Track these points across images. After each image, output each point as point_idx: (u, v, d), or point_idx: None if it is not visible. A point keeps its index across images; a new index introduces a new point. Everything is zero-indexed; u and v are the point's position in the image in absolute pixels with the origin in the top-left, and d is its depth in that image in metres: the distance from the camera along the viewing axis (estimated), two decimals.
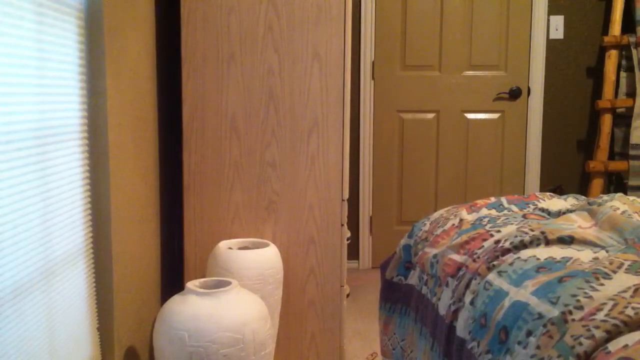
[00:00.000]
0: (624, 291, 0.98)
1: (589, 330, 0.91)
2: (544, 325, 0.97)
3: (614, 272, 1.06)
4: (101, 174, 1.66)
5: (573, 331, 0.93)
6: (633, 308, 0.92)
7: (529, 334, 0.99)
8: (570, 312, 0.97)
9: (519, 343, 1.00)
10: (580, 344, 0.89)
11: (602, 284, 1.01)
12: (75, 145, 1.56)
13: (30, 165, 1.33)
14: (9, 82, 1.23)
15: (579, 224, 1.32)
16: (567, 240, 1.23)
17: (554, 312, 0.98)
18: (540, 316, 0.99)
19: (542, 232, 1.25)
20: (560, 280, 1.05)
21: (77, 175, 1.57)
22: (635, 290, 0.98)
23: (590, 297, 0.99)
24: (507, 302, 1.08)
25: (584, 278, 1.04)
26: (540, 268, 1.13)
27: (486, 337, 1.09)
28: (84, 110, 1.60)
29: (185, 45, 2.11)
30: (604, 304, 0.95)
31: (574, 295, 1.00)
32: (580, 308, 0.97)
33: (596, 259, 1.14)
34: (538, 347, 0.95)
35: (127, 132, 1.82)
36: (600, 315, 0.93)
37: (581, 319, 0.94)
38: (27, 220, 1.32)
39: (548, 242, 1.23)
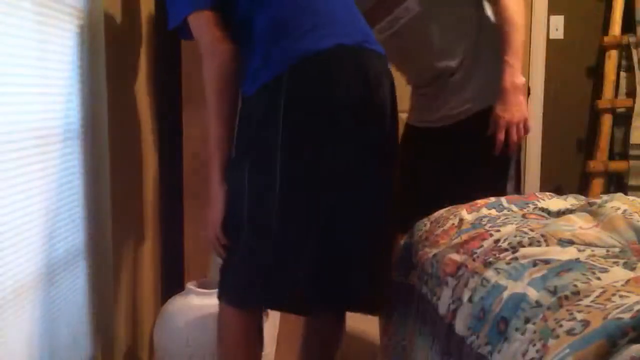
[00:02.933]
0: (617, 282, 1.01)
1: (571, 314, 0.94)
2: (542, 312, 1.00)
3: (611, 267, 1.08)
4: (101, 174, 1.66)
5: (557, 315, 0.96)
6: (620, 296, 0.94)
7: (527, 321, 1.01)
8: (567, 297, 0.99)
9: (517, 329, 1.02)
10: (561, 325, 0.93)
11: (598, 278, 1.04)
12: (76, 145, 1.56)
13: (31, 165, 1.33)
14: (10, 83, 1.23)
15: (579, 225, 1.32)
16: (567, 242, 1.23)
17: (551, 299, 1.00)
18: (539, 304, 1.02)
19: (542, 235, 1.25)
20: (558, 273, 1.07)
21: (77, 175, 1.57)
22: (627, 281, 1.00)
23: (588, 283, 1.02)
24: (505, 295, 1.10)
25: (581, 271, 1.06)
26: (538, 261, 1.14)
27: (484, 330, 1.10)
28: (84, 110, 1.60)
29: (186, 45, 2.11)
30: (593, 291, 0.98)
31: (571, 283, 1.02)
32: (577, 293, 0.99)
33: (593, 256, 1.15)
34: (534, 332, 0.98)
35: (127, 132, 1.82)
36: (586, 301, 0.96)
37: (571, 304, 0.97)
38: (28, 220, 1.32)
39: (548, 244, 1.23)
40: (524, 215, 1.48)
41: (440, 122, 1.84)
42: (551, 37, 3.51)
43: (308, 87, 1.33)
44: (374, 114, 1.43)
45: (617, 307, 0.90)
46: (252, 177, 1.37)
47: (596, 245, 1.22)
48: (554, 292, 1.02)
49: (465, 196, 1.61)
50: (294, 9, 1.37)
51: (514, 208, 1.55)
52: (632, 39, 3.32)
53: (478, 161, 1.75)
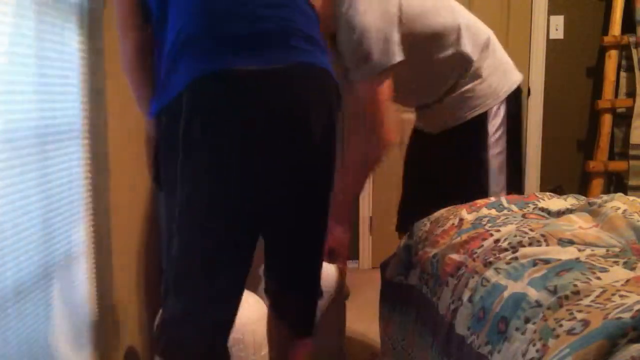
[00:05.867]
0: (617, 281, 1.01)
1: (572, 314, 0.94)
2: (542, 312, 1.00)
3: (611, 267, 1.08)
4: (101, 174, 1.66)
5: (557, 315, 0.96)
6: (620, 296, 0.94)
7: (527, 320, 1.02)
8: (567, 297, 0.99)
9: (517, 329, 1.02)
10: (561, 325, 0.93)
11: (598, 277, 1.03)
12: (76, 145, 1.56)
13: (31, 164, 1.33)
14: (9, 82, 1.23)
15: (579, 225, 1.32)
16: (567, 242, 1.23)
17: (551, 299, 1.00)
18: (539, 304, 1.02)
19: (542, 235, 1.25)
20: (558, 273, 1.07)
21: (77, 175, 1.57)
22: (627, 281, 1.00)
23: (588, 283, 1.02)
24: (505, 294, 1.10)
25: (581, 271, 1.06)
26: (538, 261, 1.15)
27: (484, 329, 1.11)
28: (84, 110, 1.60)
29: None
30: (593, 291, 0.98)
31: (571, 283, 1.02)
32: (577, 293, 0.99)
33: (593, 255, 1.15)
34: (535, 332, 0.98)
35: (127, 132, 1.82)
36: (587, 301, 0.96)
37: (571, 304, 0.97)
38: (28, 219, 1.32)
39: (548, 244, 1.23)
40: (524, 215, 1.48)
41: (429, 129, 2.04)
42: (551, 37, 3.51)
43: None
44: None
45: (617, 307, 0.90)
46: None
47: (596, 245, 1.22)
48: (554, 291, 1.02)
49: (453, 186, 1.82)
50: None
51: (514, 208, 1.55)
52: (632, 39, 3.32)
53: (457, 158, 1.91)
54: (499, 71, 1.89)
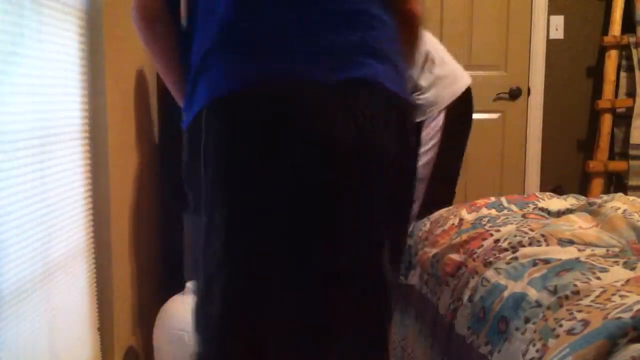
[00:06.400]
0: (617, 281, 1.01)
1: (572, 314, 0.94)
2: (542, 312, 1.00)
3: (611, 267, 1.08)
4: (101, 174, 1.66)
5: (557, 315, 0.96)
6: (620, 296, 0.94)
7: (527, 320, 1.02)
8: (567, 297, 0.99)
9: (517, 329, 1.02)
10: (561, 325, 0.93)
11: (598, 277, 1.03)
12: (76, 145, 1.56)
13: (31, 165, 1.33)
14: (10, 83, 1.23)
15: (579, 225, 1.32)
16: (567, 242, 1.23)
17: (551, 299, 1.01)
18: (539, 304, 1.02)
19: (542, 235, 1.25)
20: (558, 273, 1.07)
21: (77, 175, 1.57)
22: (627, 281, 1.00)
23: (588, 283, 1.02)
24: (505, 294, 1.10)
25: (581, 271, 1.06)
26: (538, 261, 1.15)
27: (485, 329, 1.11)
28: (84, 110, 1.60)
29: None
30: (593, 291, 0.98)
31: (571, 283, 1.03)
32: (577, 293, 0.99)
33: (593, 255, 1.16)
34: (535, 332, 0.98)
35: (127, 132, 1.82)
36: (586, 301, 0.96)
37: (571, 304, 0.97)
38: (28, 220, 1.32)
39: (548, 244, 1.23)
40: (524, 215, 1.48)
41: None
42: (551, 37, 3.51)
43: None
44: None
45: (617, 307, 0.90)
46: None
47: (596, 245, 1.22)
48: (554, 291, 1.03)
49: None
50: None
51: (514, 208, 1.55)
52: (632, 39, 3.32)
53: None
54: (439, 84, 1.84)
